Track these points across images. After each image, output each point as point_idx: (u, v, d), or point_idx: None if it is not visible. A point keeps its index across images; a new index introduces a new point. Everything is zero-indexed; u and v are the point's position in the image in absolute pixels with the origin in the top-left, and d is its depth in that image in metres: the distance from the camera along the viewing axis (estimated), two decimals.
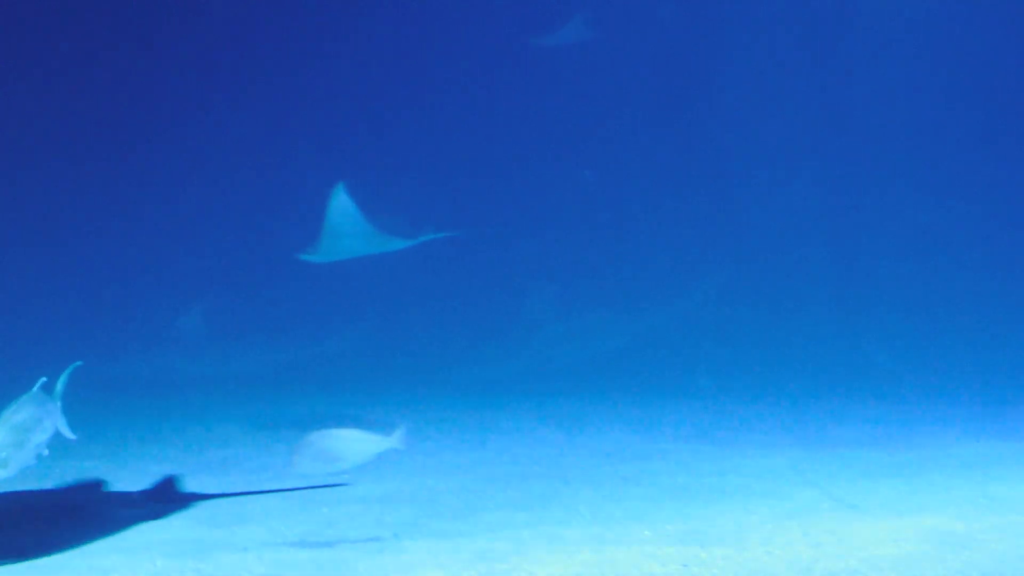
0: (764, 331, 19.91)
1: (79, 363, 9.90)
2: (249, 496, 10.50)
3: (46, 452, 9.21)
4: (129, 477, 11.54)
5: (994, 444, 12.58)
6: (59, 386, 9.73)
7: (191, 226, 21.31)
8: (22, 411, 9.01)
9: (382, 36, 22.10)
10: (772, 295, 20.71)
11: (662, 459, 12.07)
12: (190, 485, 11.18)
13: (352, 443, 8.98)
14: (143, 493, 10.86)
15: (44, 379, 9.51)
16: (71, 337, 18.72)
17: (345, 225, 14.48)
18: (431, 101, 22.15)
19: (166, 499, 10.51)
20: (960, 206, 21.26)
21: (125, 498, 10.69)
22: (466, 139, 22.04)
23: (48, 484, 10.98)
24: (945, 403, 15.71)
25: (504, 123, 22.01)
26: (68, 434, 9.78)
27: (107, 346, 18.47)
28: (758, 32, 21.83)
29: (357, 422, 11.82)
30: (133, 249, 21.09)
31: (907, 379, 17.34)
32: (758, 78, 21.87)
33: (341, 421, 12.59)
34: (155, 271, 20.85)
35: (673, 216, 21.77)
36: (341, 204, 14.21)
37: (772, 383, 17.35)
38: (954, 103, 21.49)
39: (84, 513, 10.12)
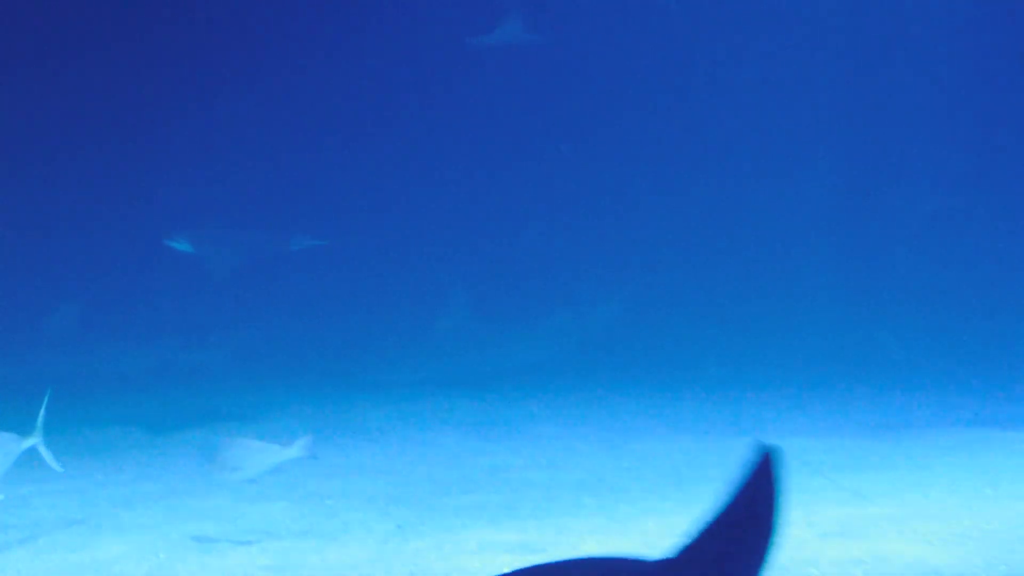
0: (770, 321, 19.88)
1: (50, 390, 9.10)
2: (239, 491, 10.45)
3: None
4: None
5: (1001, 434, 12.54)
6: (39, 421, 8.97)
7: (65, 225, 20.66)
8: None
9: (279, 36, 21.69)
10: (778, 286, 20.70)
11: (666, 449, 12.05)
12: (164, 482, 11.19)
13: (255, 453, 8.93)
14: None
15: None
16: None
17: (215, 227, 14.69)
18: (339, 102, 21.91)
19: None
20: (970, 200, 21.23)
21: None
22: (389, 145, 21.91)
23: None
24: (952, 393, 15.68)
25: (428, 126, 21.92)
26: (56, 467, 9.15)
27: None
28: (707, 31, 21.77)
29: (258, 430, 11.86)
30: (6, 250, 20.23)
31: (914, 369, 17.29)
32: (746, 74, 21.87)
33: (237, 427, 12.63)
34: (28, 271, 20.10)
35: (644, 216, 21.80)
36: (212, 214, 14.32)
37: (778, 373, 17.33)
38: (964, 99, 21.45)
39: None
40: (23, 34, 20.60)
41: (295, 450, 8.87)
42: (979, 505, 9.17)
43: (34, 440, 8.92)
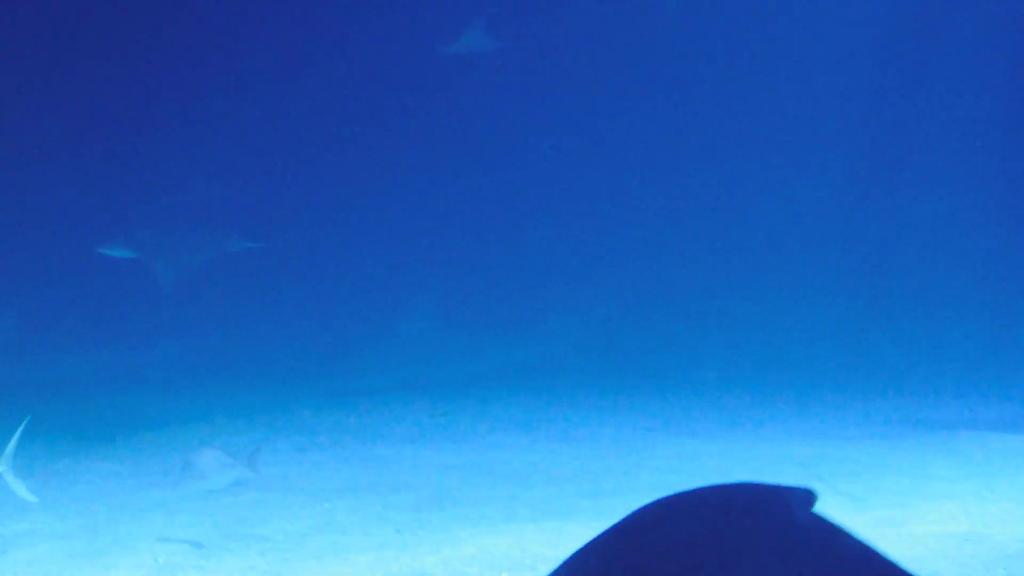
0: (768, 325, 19.90)
1: (29, 417, 8.76)
2: (240, 495, 10.48)
3: None
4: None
5: (997, 437, 12.55)
6: (10, 448, 8.52)
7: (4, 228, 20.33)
8: None
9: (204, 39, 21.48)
10: (774, 289, 20.71)
11: (664, 454, 12.05)
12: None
13: (221, 465, 9.30)
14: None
15: None
16: None
17: (147, 230, 14.70)
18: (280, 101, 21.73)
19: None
20: (968, 203, 21.25)
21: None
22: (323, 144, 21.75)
23: None
24: (949, 396, 15.70)
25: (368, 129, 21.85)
26: (29, 497, 8.81)
27: None
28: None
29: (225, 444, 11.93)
30: None
31: (911, 372, 17.31)
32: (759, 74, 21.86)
33: (203, 440, 12.66)
34: None
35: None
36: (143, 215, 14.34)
37: (774, 376, 17.35)
38: (961, 100, 21.46)
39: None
40: None
41: (246, 467, 9.09)
42: (977, 508, 9.18)
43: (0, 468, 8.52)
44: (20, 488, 8.72)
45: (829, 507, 9.29)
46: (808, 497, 3.53)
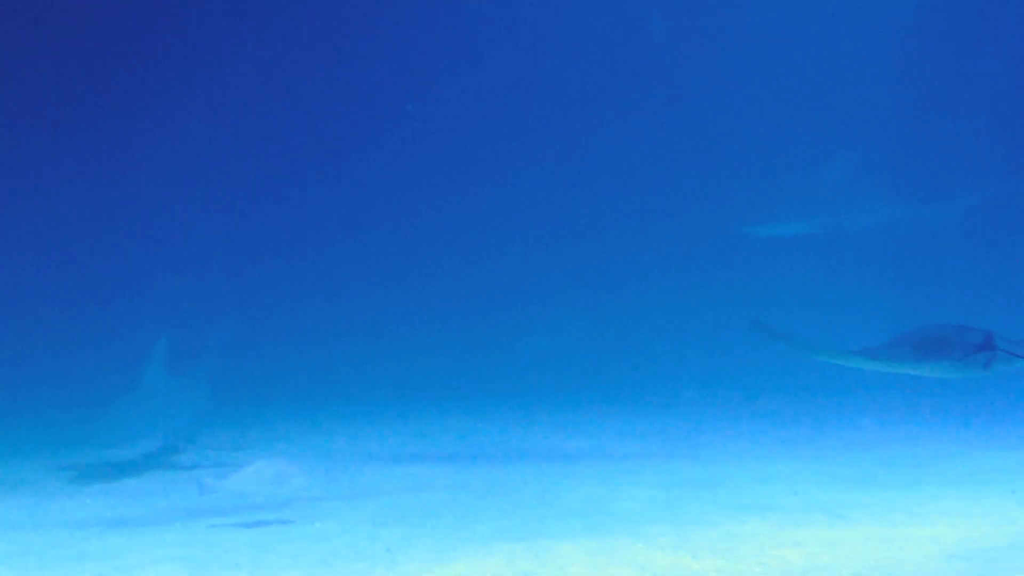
0: (751, 342, 19.93)
1: None
2: (237, 515, 10.47)
3: None
4: None
5: (986, 454, 12.62)
6: None
7: None
8: None
9: None
10: (760, 305, 20.75)
11: (654, 471, 12.09)
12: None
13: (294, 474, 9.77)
14: None
15: None
16: None
17: None
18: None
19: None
20: (952, 209, 21.30)
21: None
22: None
23: None
24: (936, 414, 15.76)
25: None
26: None
27: None
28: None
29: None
30: None
31: (898, 390, 17.36)
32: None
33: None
34: None
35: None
36: None
37: (761, 394, 17.38)
38: (930, 101, 21.50)
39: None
40: None
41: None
42: (964, 523, 9.23)
43: None
44: None
45: (814, 524, 9.27)
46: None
